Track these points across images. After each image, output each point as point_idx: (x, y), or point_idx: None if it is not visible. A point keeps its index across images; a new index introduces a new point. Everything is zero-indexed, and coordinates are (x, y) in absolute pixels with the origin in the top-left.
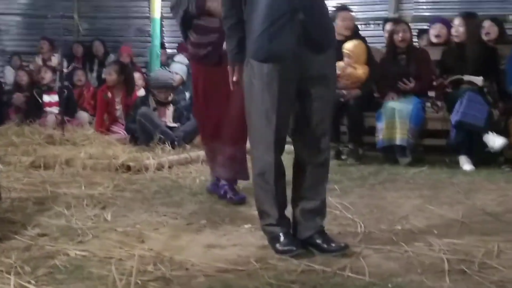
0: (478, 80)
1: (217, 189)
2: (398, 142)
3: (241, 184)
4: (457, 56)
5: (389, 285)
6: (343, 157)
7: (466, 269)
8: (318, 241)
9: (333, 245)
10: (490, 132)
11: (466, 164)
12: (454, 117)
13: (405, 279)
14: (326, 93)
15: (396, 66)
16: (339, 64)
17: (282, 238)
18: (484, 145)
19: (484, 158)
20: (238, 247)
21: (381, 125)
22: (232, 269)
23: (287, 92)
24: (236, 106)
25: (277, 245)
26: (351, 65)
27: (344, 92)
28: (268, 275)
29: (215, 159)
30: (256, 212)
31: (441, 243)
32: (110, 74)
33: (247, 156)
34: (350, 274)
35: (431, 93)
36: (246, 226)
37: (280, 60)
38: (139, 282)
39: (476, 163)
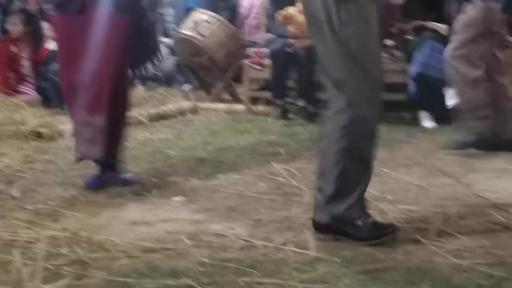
0: (443, 28)
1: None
2: None
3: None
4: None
5: (336, 259)
6: (290, 116)
7: (421, 238)
8: None
9: None
10: None
11: (426, 121)
12: (414, 69)
13: (354, 251)
14: None
15: None
16: (290, 10)
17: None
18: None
19: (447, 114)
20: (168, 223)
21: None
22: (160, 249)
23: None
24: (100, 65)
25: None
26: (302, 12)
27: (293, 41)
28: (201, 253)
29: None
30: (189, 183)
31: (396, 211)
32: (15, 25)
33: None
34: (293, 249)
35: (389, 42)
36: (177, 198)
37: None
38: (51, 267)
39: (437, 119)
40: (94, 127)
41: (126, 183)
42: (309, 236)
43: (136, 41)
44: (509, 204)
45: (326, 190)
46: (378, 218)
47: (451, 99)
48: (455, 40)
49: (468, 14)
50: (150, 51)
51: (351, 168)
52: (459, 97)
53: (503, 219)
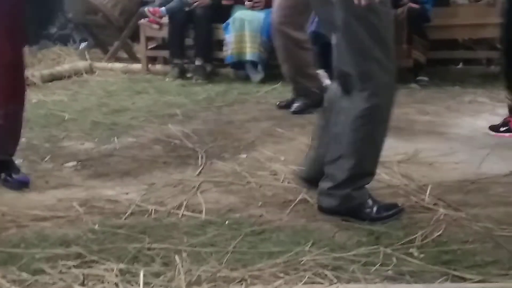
0: None
1: None
2: (248, 57)
3: None
4: None
5: (226, 222)
6: (188, 75)
7: (309, 199)
8: None
9: None
10: None
11: (324, 79)
12: (310, 28)
13: (243, 214)
14: None
15: None
16: None
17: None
18: None
19: None
20: (59, 190)
21: (229, 38)
22: (51, 217)
23: None
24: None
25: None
26: None
27: (191, 0)
28: (93, 220)
29: None
30: (83, 147)
31: (288, 171)
32: None
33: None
34: (185, 212)
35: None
36: (69, 164)
37: None
38: None
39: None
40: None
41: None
42: (202, 199)
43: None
44: (393, 161)
45: (337, 176)
46: (270, 180)
47: None
48: (281, 8)
49: None
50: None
51: (366, 157)
52: (290, 60)
53: (387, 177)
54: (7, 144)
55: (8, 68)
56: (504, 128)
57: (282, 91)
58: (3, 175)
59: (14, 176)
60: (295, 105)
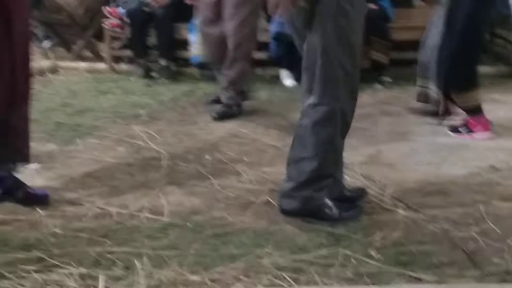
0: None
1: None
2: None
3: None
4: None
5: (188, 224)
6: (153, 75)
7: (271, 200)
8: None
9: None
10: None
11: (287, 79)
12: (274, 28)
13: (206, 216)
14: None
15: None
16: None
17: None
18: None
19: None
20: None
21: (194, 38)
22: (12, 220)
23: None
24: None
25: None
26: None
27: (150, 0)
28: (54, 224)
29: None
30: (45, 149)
31: (251, 173)
32: None
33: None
34: (148, 215)
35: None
36: (32, 166)
37: None
38: None
39: (298, 77)
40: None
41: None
42: (164, 202)
43: None
44: (355, 162)
45: (298, 178)
46: (234, 181)
47: None
48: None
49: None
50: None
51: (327, 159)
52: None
53: (348, 178)
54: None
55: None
56: (463, 129)
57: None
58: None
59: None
60: (218, 108)
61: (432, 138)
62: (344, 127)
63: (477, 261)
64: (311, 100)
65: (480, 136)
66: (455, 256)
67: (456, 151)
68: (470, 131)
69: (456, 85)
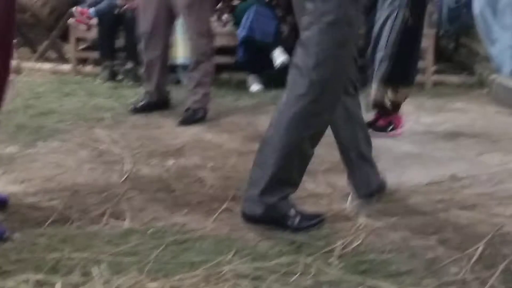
0: None
1: None
2: (180, 61)
3: None
4: None
5: (149, 230)
6: (119, 77)
7: (234, 207)
8: None
9: None
10: (277, 49)
11: (254, 85)
12: (241, 33)
13: (167, 222)
14: None
15: None
16: None
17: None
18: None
19: (274, 77)
20: None
21: None
22: None
23: None
24: None
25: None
26: None
27: (120, 2)
28: (12, 228)
29: None
30: (5, 152)
31: (214, 178)
32: None
33: None
34: (108, 220)
35: (217, 5)
36: None
37: None
38: None
39: (265, 82)
40: None
41: None
42: (126, 207)
43: None
44: (319, 170)
45: (261, 183)
46: (197, 187)
47: (277, 61)
48: None
49: None
50: None
51: (292, 166)
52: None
53: (312, 185)
54: None
55: None
56: (390, 128)
57: (214, 96)
58: None
59: None
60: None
61: (395, 146)
62: (316, 135)
63: (435, 270)
64: (285, 97)
65: (400, 132)
66: (414, 265)
67: (417, 160)
68: (394, 128)
69: (399, 77)
